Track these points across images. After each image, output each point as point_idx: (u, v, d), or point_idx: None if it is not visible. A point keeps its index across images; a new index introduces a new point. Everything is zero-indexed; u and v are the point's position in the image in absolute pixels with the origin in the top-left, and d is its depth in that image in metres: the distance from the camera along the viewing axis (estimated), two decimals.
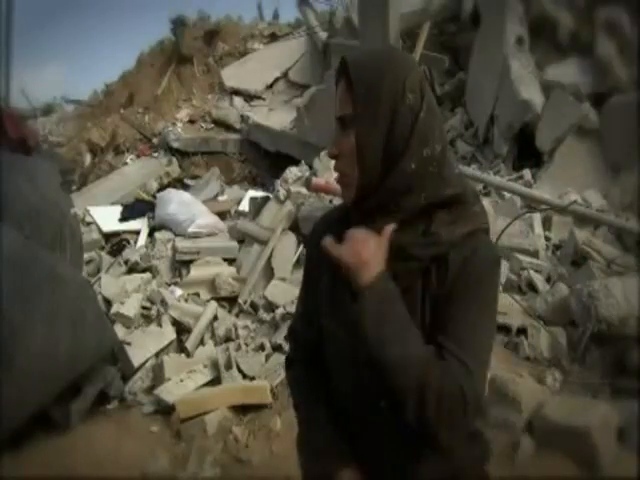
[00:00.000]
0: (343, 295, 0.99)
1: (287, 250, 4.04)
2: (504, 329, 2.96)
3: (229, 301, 3.92)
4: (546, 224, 3.93)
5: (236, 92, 9.20)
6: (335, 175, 1.03)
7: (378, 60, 0.96)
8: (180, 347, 3.53)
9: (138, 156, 8.69)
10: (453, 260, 0.95)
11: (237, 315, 3.78)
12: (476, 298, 0.95)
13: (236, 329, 3.48)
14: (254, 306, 3.75)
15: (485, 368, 0.96)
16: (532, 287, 3.28)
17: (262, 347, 3.29)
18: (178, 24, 9.69)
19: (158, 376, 3.24)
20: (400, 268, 0.95)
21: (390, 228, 0.94)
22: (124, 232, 5.11)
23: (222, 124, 8.78)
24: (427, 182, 0.95)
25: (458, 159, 5.30)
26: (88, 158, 8.94)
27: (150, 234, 4.92)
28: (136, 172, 8.11)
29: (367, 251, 0.92)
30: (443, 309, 0.94)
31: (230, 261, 4.25)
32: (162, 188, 7.29)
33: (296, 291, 3.93)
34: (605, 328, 2.71)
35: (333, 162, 1.02)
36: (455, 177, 0.99)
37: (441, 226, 0.95)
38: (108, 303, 3.79)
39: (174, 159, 8.48)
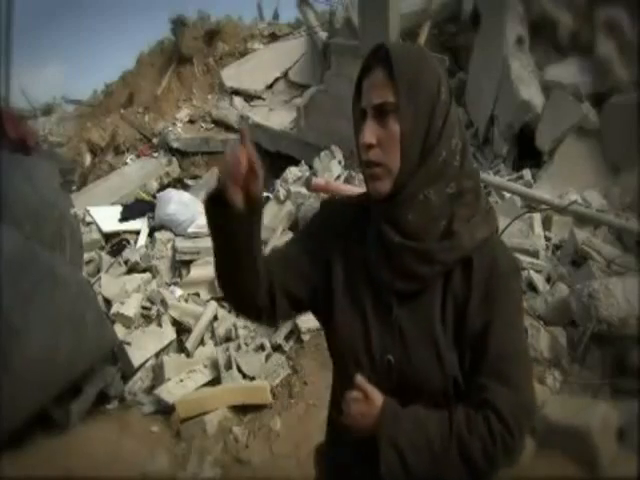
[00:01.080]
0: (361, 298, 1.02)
1: None
2: None
3: None
4: (546, 224, 3.93)
5: (236, 92, 9.19)
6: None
7: (416, 54, 0.99)
8: (180, 347, 3.53)
9: (138, 156, 8.68)
10: (477, 263, 0.98)
11: (237, 315, 3.78)
12: (506, 316, 0.98)
13: (236, 329, 3.48)
14: None
15: (531, 381, 1.00)
16: (532, 287, 3.28)
17: (262, 347, 3.29)
18: (178, 24, 9.68)
19: (158, 376, 3.24)
20: (425, 271, 0.97)
21: (362, 380, 0.95)
22: (124, 232, 5.10)
23: (222, 124, 8.77)
24: (451, 172, 0.97)
25: None
26: (88, 158, 8.93)
27: (150, 234, 4.91)
28: (136, 172, 8.11)
29: (365, 420, 0.94)
30: (476, 335, 0.96)
31: None
32: (162, 188, 7.28)
33: None
34: (605, 328, 2.70)
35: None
36: (473, 170, 1.02)
37: (462, 223, 0.97)
38: (108, 303, 3.80)
39: (174, 159, 8.47)
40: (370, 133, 0.95)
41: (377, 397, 0.94)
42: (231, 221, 0.90)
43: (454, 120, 0.97)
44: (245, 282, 1.00)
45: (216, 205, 0.89)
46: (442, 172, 0.96)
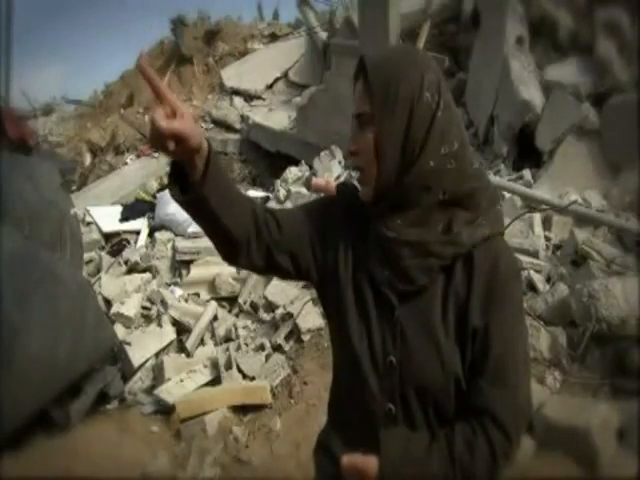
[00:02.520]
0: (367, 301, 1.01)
1: None
2: None
3: (229, 301, 3.92)
4: (546, 224, 3.93)
5: (236, 92, 9.19)
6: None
7: (396, 59, 0.98)
8: (180, 347, 3.54)
9: (138, 156, 8.68)
10: (479, 262, 0.97)
11: (237, 315, 3.78)
12: (507, 319, 0.98)
13: (236, 329, 3.48)
14: (254, 306, 3.75)
15: (528, 382, 1.00)
16: (532, 287, 3.28)
17: (262, 347, 3.29)
18: (178, 24, 9.68)
19: (158, 376, 3.24)
20: (420, 264, 0.96)
21: (347, 459, 0.90)
22: (124, 232, 5.11)
23: (222, 124, 8.77)
24: (446, 179, 0.96)
25: None
26: (88, 158, 8.93)
27: (150, 234, 4.91)
28: (136, 172, 8.10)
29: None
30: (477, 335, 0.96)
31: None
32: (162, 188, 7.27)
33: (296, 291, 3.92)
34: (605, 328, 2.70)
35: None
36: (475, 172, 1.00)
37: (462, 225, 0.96)
38: (108, 303, 3.80)
39: None
40: (352, 140, 1.00)
41: (370, 464, 0.91)
42: (202, 194, 0.91)
43: (444, 125, 0.95)
44: (231, 235, 1.03)
45: (177, 179, 0.93)
46: (432, 180, 0.95)
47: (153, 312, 3.71)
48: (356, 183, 1.07)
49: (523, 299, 1.05)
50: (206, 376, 3.21)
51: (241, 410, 2.97)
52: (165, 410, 3.04)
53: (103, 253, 4.72)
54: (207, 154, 0.91)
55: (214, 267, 4.12)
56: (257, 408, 2.96)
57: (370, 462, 0.91)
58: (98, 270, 4.43)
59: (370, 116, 0.96)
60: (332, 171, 5.02)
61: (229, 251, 1.07)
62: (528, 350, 1.04)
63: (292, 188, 4.50)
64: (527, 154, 4.96)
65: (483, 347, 0.96)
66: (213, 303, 3.80)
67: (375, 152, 0.96)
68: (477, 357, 0.96)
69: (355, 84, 1.01)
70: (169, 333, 3.55)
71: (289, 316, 3.38)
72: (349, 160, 1.07)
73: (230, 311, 3.84)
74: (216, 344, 3.48)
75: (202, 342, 3.54)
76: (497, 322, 0.96)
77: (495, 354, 0.95)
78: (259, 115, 8.29)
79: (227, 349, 3.31)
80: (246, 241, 1.03)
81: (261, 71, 9.10)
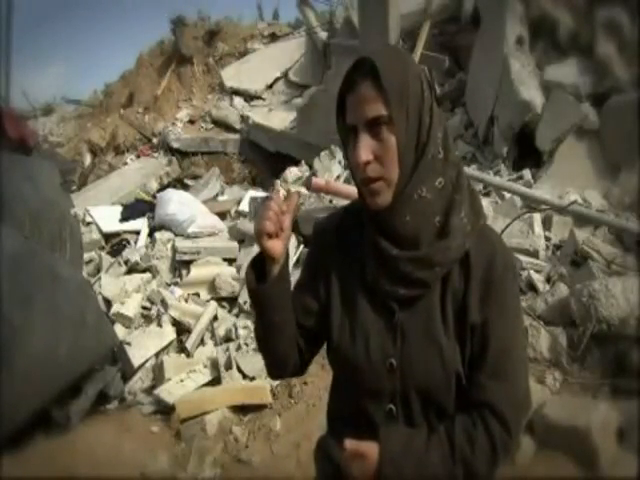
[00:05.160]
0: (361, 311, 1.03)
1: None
2: None
3: (229, 301, 3.92)
4: (546, 224, 3.93)
5: (236, 92, 9.20)
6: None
7: (398, 59, 0.97)
8: (180, 347, 3.54)
9: (138, 156, 8.70)
10: (475, 259, 0.98)
11: (237, 315, 3.78)
12: (505, 313, 0.98)
13: (236, 329, 3.48)
14: None
15: (526, 375, 1.02)
16: (532, 287, 3.28)
17: None
18: (178, 24, 9.70)
19: (158, 376, 3.24)
20: (427, 275, 0.97)
21: (351, 443, 0.93)
22: (124, 232, 5.11)
23: (222, 124, 8.78)
24: (438, 166, 0.96)
25: None
26: (88, 158, 8.95)
27: (150, 234, 4.91)
28: (136, 172, 8.11)
29: (366, 473, 0.93)
30: (476, 330, 0.97)
31: (230, 261, 4.26)
32: (162, 188, 7.29)
33: None
34: (605, 328, 2.70)
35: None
36: (455, 158, 1.01)
37: (455, 217, 0.96)
38: (108, 303, 3.80)
39: (174, 159, 8.49)
40: (366, 150, 0.93)
41: (372, 451, 0.93)
42: (270, 291, 1.04)
43: (437, 117, 0.96)
44: (283, 351, 1.11)
45: (257, 276, 1.06)
46: (431, 168, 0.96)
47: (153, 312, 3.71)
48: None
49: (518, 292, 1.06)
50: (206, 376, 3.21)
51: (241, 410, 2.97)
52: (165, 410, 3.04)
53: (103, 253, 4.72)
54: (282, 265, 1.04)
55: (214, 267, 4.12)
56: (257, 408, 2.96)
57: (372, 447, 0.93)
58: (98, 270, 4.43)
59: (387, 118, 0.92)
60: (332, 171, 5.02)
61: (279, 370, 1.18)
62: (525, 343, 1.05)
63: (292, 188, 4.50)
64: (527, 154, 4.96)
65: (482, 342, 0.97)
66: (213, 303, 3.80)
67: (398, 155, 0.93)
68: (476, 352, 0.97)
69: (352, 89, 0.95)
70: (169, 333, 3.55)
71: None
72: (361, 172, 1.01)
73: (230, 311, 3.84)
74: (216, 344, 3.48)
75: (202, 342, 3.54)
76: (496, 317, 0.97)
77: (494, 348, 0.96)
78: (259, 115, 8.30)
79: (227, 349, 3.31)
80: (292, 360, 1.15)
81: (261, 71, 9.11)
